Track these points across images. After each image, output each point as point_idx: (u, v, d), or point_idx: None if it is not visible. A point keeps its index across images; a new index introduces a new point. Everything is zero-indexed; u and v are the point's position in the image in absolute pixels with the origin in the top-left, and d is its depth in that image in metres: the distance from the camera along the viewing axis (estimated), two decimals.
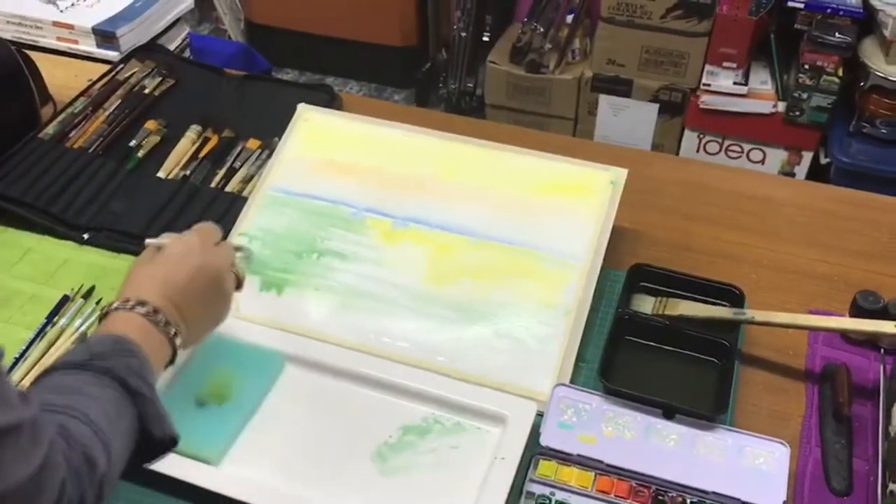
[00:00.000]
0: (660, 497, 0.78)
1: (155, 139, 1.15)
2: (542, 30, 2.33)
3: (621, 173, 1.00)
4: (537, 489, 0.78)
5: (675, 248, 1.01)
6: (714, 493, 0.77)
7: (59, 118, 1.16)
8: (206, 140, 1.15)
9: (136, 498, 0.79)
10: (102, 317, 0.73)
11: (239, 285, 0.85)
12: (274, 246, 0.98)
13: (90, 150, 1.12)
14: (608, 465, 0.79)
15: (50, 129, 1.15)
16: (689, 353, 0.89)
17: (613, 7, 2.14)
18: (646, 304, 0.92)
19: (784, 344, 0.92)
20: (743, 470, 0.79)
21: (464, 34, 2.47)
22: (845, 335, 0.91)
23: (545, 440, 0.81)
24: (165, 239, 0.80)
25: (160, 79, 1.24)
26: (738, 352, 0.90)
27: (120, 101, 1.20)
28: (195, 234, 0.81)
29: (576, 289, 0.92)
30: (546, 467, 0.80)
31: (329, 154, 1.05)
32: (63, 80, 1.28)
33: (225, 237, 0.98)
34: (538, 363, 0.88)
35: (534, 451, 0.81)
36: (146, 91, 1.22)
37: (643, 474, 0.79)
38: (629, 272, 0.94)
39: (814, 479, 0.80)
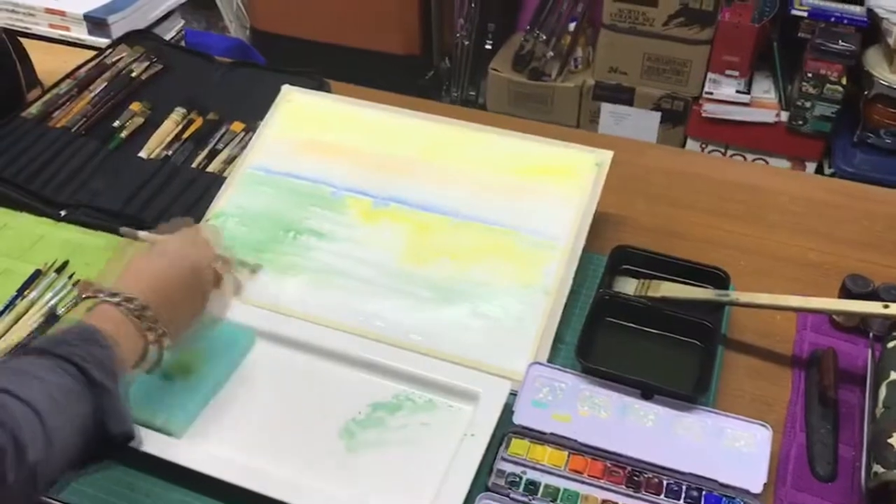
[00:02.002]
0: (635, 478, 0.75)
1: (139, 121, 1.14)
2: (544, 38, 2.32)
3: (606, 155, 0.98)
4: (508, 468, 0.76)
5: (661, 234, 0.99)
6: (692, 474, 0.74)
7: (44, 99, 1.16)
8: (191, 122, 1.14)
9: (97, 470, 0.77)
10: (89, 308, 0.71)
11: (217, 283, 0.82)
12: (251, 224, 0.97)
13: (73, 130, 1.11)
14: (582, 444, 0.77)
15: (33, 109, 1.14)
16: (670, 336, 0.86)
17: (615, 14, 2.13)
18: (628, 286, 0.90)
19: (771, 330, 0.89)
20: (723, 452, 0.76)
21: (466, 42, 2.47)
22: (834, 321, 0.88)
23: (518, 418, 0.78)
24: (159, 235, 0.79)
25: (147, 63, 1.23)
26: (722, 336, 0.87)
27: (106, 83, 1.19)
28: (184, 234, 0.80)
29: (556, 270, 0.90)
30: (518, 446, 0.77)
31: (311, 134, 1.03)
32: (53, 65, 1.27)
33: (201, 217, 0.97)
34: (515, 343, 0.85)
35: (506, 429, 0.78)
36: (133, 75, 1.21)
37: (619, 454, 0.76)
38: (612, 254, 0.92)
39: (798, 463, 0.77)
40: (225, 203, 0.99)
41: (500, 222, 0.94)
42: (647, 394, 0.80)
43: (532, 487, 0.74)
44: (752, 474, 0.74)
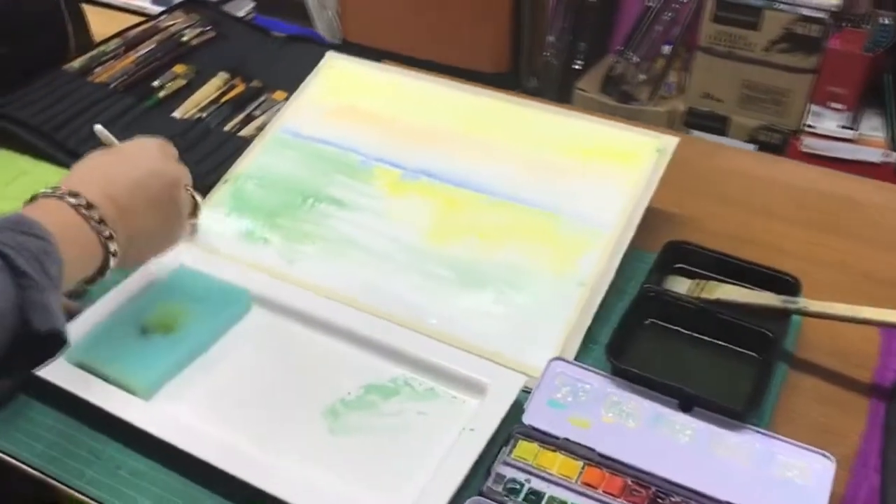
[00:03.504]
0: (659, 500, 0.62)
1: (181, 83, 1.09)
2: (636, 60, 2.21)
3: (670, 141, 0.86)
4: (510, 472, 0.64)
5: (727, 238, 0.86)
6: (730, 503, 0.61)
7: (89, 54, 1.12)
8: (233, 87, 1.08)
9: (55, 426, 0.69)
10: (27, 201, 0.64)
11: (194, 212, 0.78)
12: (269, 188, 0.89)
13: (111, 86, 1.07)
14: (601, 456, 0.65)
15: (76, 63, 1.10)
16: (723, 345, 0.73)
17: (713, 36, 2.00)
18: (680, 287, 0.78)
19: (848, 350, 0.75)
20: (771, 480, 0.62)
21: (555, 62, 2.38)
22: None
23: (529, 418, 0.67)
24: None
25: (200, 30, 1.19)
26: (787, 353, 0.74)
27: (154, 45, 1.15)
28: (154, 140, 0.73)
29: (596, 260, 0.78)
30: (525, 449, 0.65)
31: (349, 101, 0.96)
32: (109, 31, 1.24)
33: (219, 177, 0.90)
34: (539, 336, 0.74)
35: (514, 429, 0.67)
36: (183, 39, 1.17)
37: (643, 471, 0.63)
38: (664, 249, 0.80)
39: None
40: (247, 165, 0.91)
41: (540, 204, 0.83)
42: (687, 405, 0.67)
43: (534, 498, 0.62)
44: None
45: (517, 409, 0.68)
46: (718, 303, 0.75)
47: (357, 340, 0.74)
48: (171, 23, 1.20)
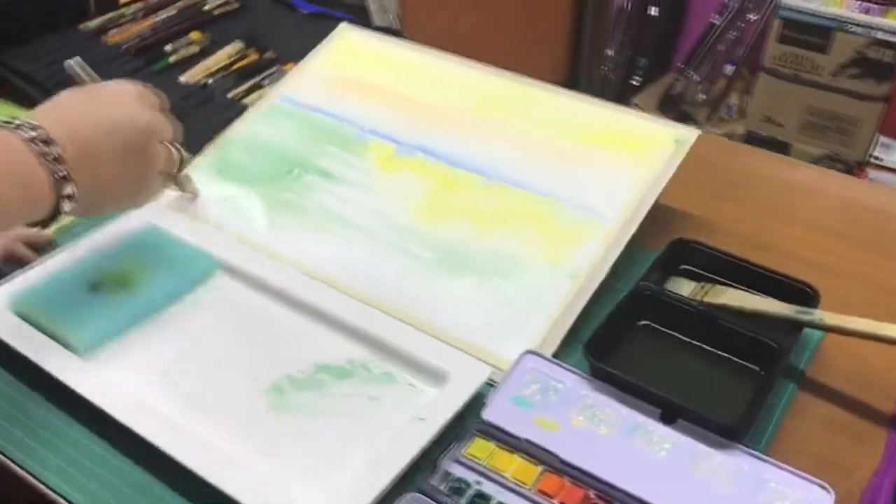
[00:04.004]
0: None
1: (193, 49, 1.05)
2: (697, 79, 2.12)
3: (689, 133, 0.78)
4: (458, 471, 0.57)
5: (743, 244, 0.76)
6: None
7: (108, 15, 1.09)
8: (245, 56, 1.04)
9: None
10: None
11: (180, 168, 0.72)
12: (254, 154, 0.84)
13: (123, 48, 1.04)
14: (563, 462, 0.57)
15: (91, 24, 1.08)
16: (722, 355, 0.65)
17: (778, 57, 1.90)
18: (683, 289, 0.70)
19: (868, 375, 0.66)
20: None
21: (613, 76, 2.30)
22: None
23: (489, 413, 0.60)
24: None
25: (224, 1, 1.15)
26: (795, 371, 0.65)
27: (175, 12, 1.12)
28: (133, 85, 0.68)
29: (593, 252, 0.71)
30: (479, 447, 0.58)
31: (355, 73, 0.90)
32: None
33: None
34: (519, 328, 0.67)
35: (471, 425, 0.59)
36: (205, 8, 1.13)
37: (609, 484, 0.55)
38: (668, 247, 0.72)
39: None
40: (237, 130, 0.87)
41: (539, 189, 0.76)
42: (670, 415, 0.59)
43: (480, 501, 0.55)
44: None
45: (480, 403, 0.61)
46: (722, 308, 0.66)
47: (320, 317, 0.68)
48: None
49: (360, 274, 0.72)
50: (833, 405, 0.64)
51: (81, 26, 1.07)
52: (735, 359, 0.65)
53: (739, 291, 0.68)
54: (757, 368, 0.64)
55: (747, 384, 0.63)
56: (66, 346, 0.64)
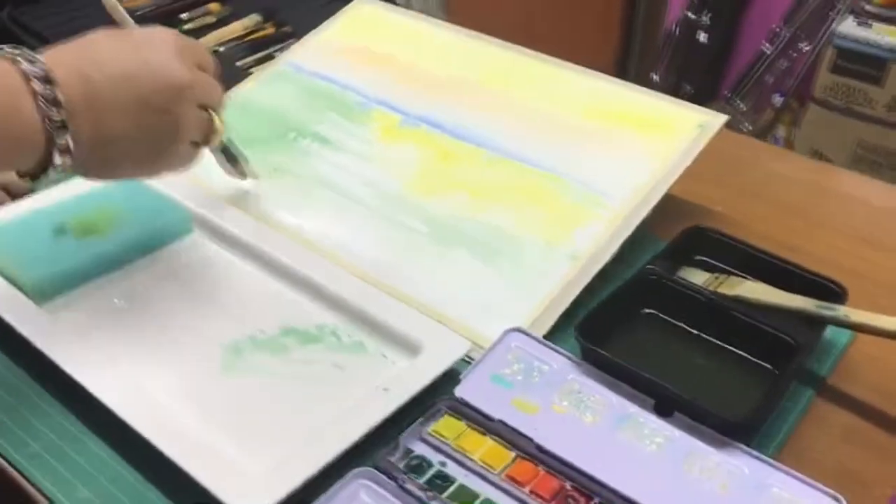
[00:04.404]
0: None
1: (210, 19, 1.02)
2: (744, 109, 2.05)
3: (715, 118, 0.72)
4: (421, 449, 0.51)
5: (769, 243, 0.70)
6: None
7: None
8: (261, 29, 1.01)
9: None
10: None
11: (210, 137, 0.60)
12: (251, 117, 0.79)
13: (138, 13, 1.01)
14: (539, 448, 0.50)
15: None
16: (732, 350, 0.58)
17: (829, 88, 1.82)
18: (696, 280, 0.63)
19: (895, 387, 0.58)
20: None
21: None
22: None
23: (462, 390, 0.54)
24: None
25: None
26: (815, 376, 0.58)
27: None
28: (174, 34, 0.56)
29: (596, 234, 0.65)
30: (448, 425, 0.52)
31: (365, 42, 0.86)
32: None
33: None
34: (508, 307, 0.61)
35: (441, 400, 0.53)
36: None
37: (589, 476, 0.49)
38: (682, 235, 0.65)
39: None
40: (238, 92, 0.82)
41: (545, 165, 0.71)
42: (665, 407, 0.52)
43: (440, 483, 0.49)
44: None
45: (453, 378, 0.55)
46: (736, 300, 0.59)
47: (295, 281, 0.63)
48: None
49: (344, 242, 0.67)
50: (855, 416, 0.57)
51: None
52: (747, 356, 0.58)
53: (757, 284, 0.61)
54: (770, 367, 0.57)
55: (758, 383, 0.56)
56: (19, 287, 0.60)
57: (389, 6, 0.91)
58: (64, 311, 0.60)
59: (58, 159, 0.50)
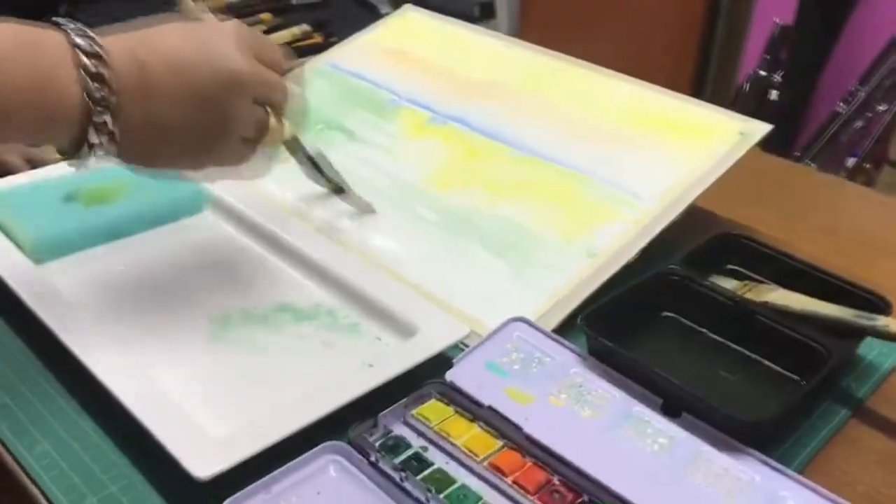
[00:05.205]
0: None
1: (261, 28, 1.03)
2: (816, 169, 1.97)
3: (758, 126, 0.68)
4: (401, 430, 0.47)
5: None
6: None
7: None
8: (308, 38, 1.01)
9: None
10: None
11: (270, 138, 0.55)
12: None
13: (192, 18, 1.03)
14: (528, 439, 0.46)
15: None
16: (757, 359, 0.53)
17: None
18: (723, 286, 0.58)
19: None
20: None
21: None
22: None
23: (453, 374, 0.50)
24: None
25: None
26: (851, 396, 0.52)
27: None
28: (236, 25, 0.52)
29: (619, 234, 0.61)
30: (433, 409, 0.48)
31: (405, 45, 0.85)
32: None
33: None
34: (515, 300, 0.57)
35: (430, 383, 0.49)
36: None
37: (580, 471, 0.44)
38: (711, 240, 0.61)
39: None
40: None
41: (570, 164, 0.67)
42: (673, 407, 0.48)
43: (415, 465, 0.45)
44: None
45: (446, 364, 0.51)
46: (766, 306, 0.54)
47: (300, 261, 0.60)
48: None
49: (354, 227, 0.65)
50: (894, 442, 0.51)
51: None
52: (773, 365, 0.52)
53: (788, 292, 0.56)
54: (797, 378, 0.51)
55: (782, 393, 0.50)
56: (19, 246, 0.59)
57: (433, 14, 0.90)
58: (59, 273, 0.59)
59: (94, 138, 0.46)
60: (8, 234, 0.60)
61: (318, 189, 0.67)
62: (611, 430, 0.47)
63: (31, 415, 0.49)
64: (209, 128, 0.50)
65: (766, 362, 0.53)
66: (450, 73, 0.80)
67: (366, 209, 0.66)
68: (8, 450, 0.47)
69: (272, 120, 0.54)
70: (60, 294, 0.56)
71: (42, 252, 0.59)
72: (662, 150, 0.67)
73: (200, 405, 0.48)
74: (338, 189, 0.66)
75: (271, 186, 0.69)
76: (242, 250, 0.63)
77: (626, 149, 0.68)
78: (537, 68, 0.78)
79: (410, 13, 0.90)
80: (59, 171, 0.67)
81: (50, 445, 0.47)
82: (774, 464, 0.44)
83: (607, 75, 0.76)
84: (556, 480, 0.44)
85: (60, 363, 0.51)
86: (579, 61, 0.78)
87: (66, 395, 0.50)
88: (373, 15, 1.14)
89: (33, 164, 0.73)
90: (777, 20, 2.04)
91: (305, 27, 1.03)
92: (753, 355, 0.53)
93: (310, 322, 0.55)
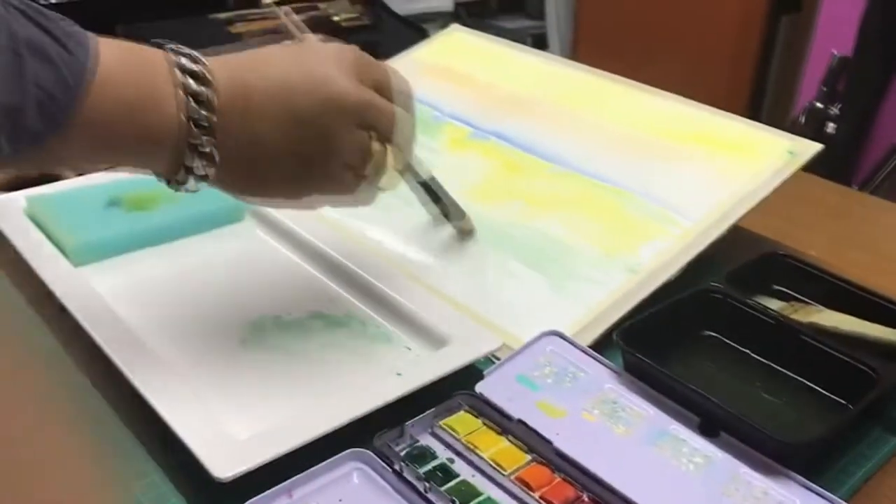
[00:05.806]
0: None
1: None
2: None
3: (808, 147, 0.66)
4: (427, 440, 0.46)
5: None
6: None
7: (241, 11, 1.12)
8: None
9: None
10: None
11: (375, 167, 0.51)
12: None
13: (242, 40, 1.05)
14: (558, 454, 0.44)
15: (222, 14, 1.10)
16: (802, 381, 0.51)
17: None
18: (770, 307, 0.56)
19: None
20: None
21: None
22: None
23: (483, 386, 0.49)
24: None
25: (356, 16, 1.15)
26: None
27: (305, 17, 1.12)
28: (340, 47, 0.52)
29: (663, 250, 0.59)
30: (462, 421, 0.47)
31: (451, 64, 0.85)
32: None
33: None
34: (552, 314, 0.56)
35: (460, 395, 0.48)
36: (335, 19, 1.13)
37: (611, 488, 0.42)
38: (757, 260, 0.59)
39: None
40: None
41: (612, 180, 0.66)
42: (711, 426, 0.46)
43: (440, 476, 0.44)
44: None
45: (476, 376, 0.50)
46: (812, 328, 0.52)
47: (332, 271, 0.60)
48: (331, 8, 1.18)
49: (392, 240, 0.64)
50: None
51: (213, 16, 1.09)
52: (819, 388, 0.50)
53: (836, 313, 0.54)
54: (844, 402, 0.49)
55: (828, 417, 0.48)
56: (60, 249, 0.60)
57: (479, 33, 0.90)
58: (98, 275, 0.59)
59: (194, 162, 0.45)
60: (50, 238, 0.61)
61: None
62: (644, 448, 0.45)
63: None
64: (310, 152, 0.48)
65: (812, 385, 0.50)
66: (492, 88, 0.80)
67: (470, 234, 0.64)
68: None
69: (376, 145, 0.51)
70: (98, 296, 0.56)
71: (82, 256, 0.60)
72: (709, 167, 0.65)
73: (227, 408, 0.47)
74: (446, 213, 0.64)
75: None
76: (278, 259, 0.63)
77: (672, 165, 0.66)
78: (580, 85, 0.78)
79: (457, 32, 0.90)
80: (104, 177, 0.69)
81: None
82: (818, 489, 0.42)
83: (652, 93, 0.75)
84: (585, 497, 0.43)
85: (93, 363, 0.51)
86: (623, 79, 0.77)
87: (97, 396, 0.50)
88: (421, 36, 1.14)
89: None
90: (835, 52, 2.01)
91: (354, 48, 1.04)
92: (798, 378, 0.51)
93: (341, 330, 0.55)
